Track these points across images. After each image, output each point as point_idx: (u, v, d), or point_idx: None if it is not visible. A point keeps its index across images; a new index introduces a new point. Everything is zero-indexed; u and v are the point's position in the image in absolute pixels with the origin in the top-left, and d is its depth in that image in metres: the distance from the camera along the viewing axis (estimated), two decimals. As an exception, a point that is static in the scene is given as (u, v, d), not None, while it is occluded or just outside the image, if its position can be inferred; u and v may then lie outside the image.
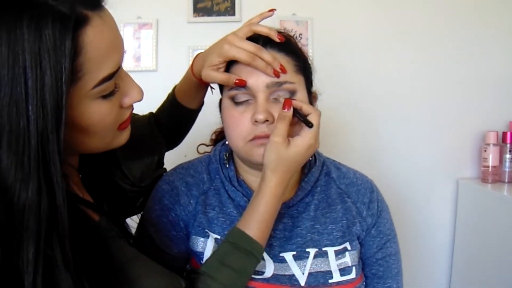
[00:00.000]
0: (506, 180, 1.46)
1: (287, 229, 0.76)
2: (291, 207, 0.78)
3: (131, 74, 0.61)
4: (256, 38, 0.71)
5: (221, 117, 0.77)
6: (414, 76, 1.54)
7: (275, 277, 0.74)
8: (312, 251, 0.75)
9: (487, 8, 1.52)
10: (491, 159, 1.46)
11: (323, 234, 0.76)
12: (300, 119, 0.67)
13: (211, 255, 0.67)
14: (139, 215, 0.84)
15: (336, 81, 1.50)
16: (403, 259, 0.85)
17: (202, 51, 0.79)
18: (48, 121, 0.46)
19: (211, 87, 0.85)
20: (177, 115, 0.89)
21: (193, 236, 0.78)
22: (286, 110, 0.67)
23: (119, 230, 0.64)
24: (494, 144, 1.47)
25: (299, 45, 0.77)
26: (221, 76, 0.71)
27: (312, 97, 0.77)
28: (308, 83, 0.75)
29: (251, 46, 0.68)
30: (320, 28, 1.50)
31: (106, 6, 0.54)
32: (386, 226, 0.82)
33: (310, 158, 0.81)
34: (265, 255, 0.74)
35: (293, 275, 0.74)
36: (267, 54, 0.68)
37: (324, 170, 0.83)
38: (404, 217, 1.53)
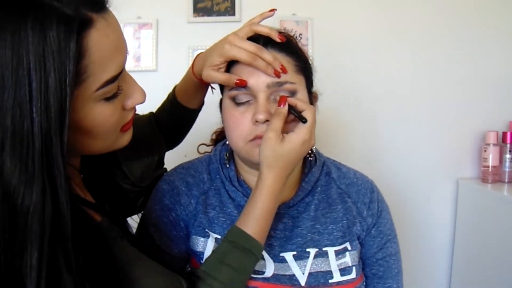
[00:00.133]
0: (506, 180, 1.46)
1: (288, 229, 0.76)
2: (291, 207, 0.78)
3: (131, 74, 0.61)
4: (257, 38, 0.71)
5: (222, 117, 0.77)
6: (414, 76, 1.54)
7: (276, 277, 0.74)
8: (313, 251, 0.75)
9: (487, 8, 1.52)
10: (491, 159, 1.46)
11: (323, 234, 0.76)
12: (294, 115, 0.68)
13: (211, 255, 0.67)
14: (140, 214, 0.84)
15: (336, 81, 1.50)
16: (403, 259, 0.85)
17: (202, 51, 0.79)
18: (51, 123, 0.45)
19: (212, 87, 0.85)
20: (177, 115, 0.89)
21: (194, 236, 0.78)
22: (281, 106, 0.67)
23: (121, 230, 0.64)
24: (494, 144, 1.47)
25: (300, 45, 0.77)
26: (222, 76, 0.71)
27: (312, 97, 0.77)
28: (309, 83, 0.75)
29: (251, 46, 0.68)
30: (320, 28, 1.50)
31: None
32: (387, 226, 0.82)
33: (310, 158, 0.81)
34: (265, 255, 0.74)
35: (294, 275, 0.74)
36: (268, 54, 0.68)
37: (325, 170, 0.83)
38: (404, 217, 1.53)
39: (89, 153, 0.62)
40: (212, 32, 1.43)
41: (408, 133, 1.55)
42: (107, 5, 0.53)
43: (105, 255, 0.55)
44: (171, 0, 1.49)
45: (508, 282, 1.25)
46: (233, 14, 1.48)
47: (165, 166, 0.92)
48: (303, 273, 0.74)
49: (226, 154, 0.81)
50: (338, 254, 0.76)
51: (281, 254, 0.75)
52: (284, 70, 0.69)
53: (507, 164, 1.46)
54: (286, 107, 0.67)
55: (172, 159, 0.95)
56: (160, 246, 0.77)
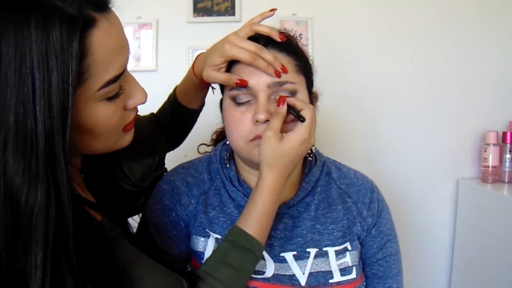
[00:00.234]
0: (506, 180, 1.46)
1: (288, 229, 0.76)
2: (291, 207, 0.78)
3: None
4: (257, 38, 0.71)
5: (222, 117, 0.77)
6: (414, 76, 1.54)
7: (276, 277, 0.74)
8: (313, 251, 0.75)
9: (487, 8, 1.52)
10: (491, 159, 1.46)
11: (323, 234, 0.76)
12: (293, 114, 0.68)
13: (211, 254, 0.67)
14: (140, 214, 0.84)
15: (336, 81, 1.50)
16: (403, 259, 0.85)
17: (202, 51, 0.79)
18: (54, 122, 0.46)
19: (212, 87, 0.85)
20: (178, 115, 0.89)
21: (194, 236, 0.78)
22: (280, 106, 0.67)
23: (121, 230, 0.64)
24: (494, 144, 1.46)
25: (300, 45, 0.77)
26: (222, 76, 0.71)
27: (313, 97, 0.77)
28: (309, 83, 0.75)
29: (252, 46, 0.68)
30: (320, 28, 1.50)
31: (107, 6, 0.54)
32: (387, 226, 0.82)
33: (310, 158, 0.81)
34: (265, 255, 0.74)
35: (294, 275, 0.74)
36: (268, 54, 0.68)
37: (325, 170, 0.83)
38: (404, 217, 1.52)
39: (91, 153, 0.62)
40: (212, 32, 1.43)
41: (408, 133, 1.55)
42: (110, 5, 0.53)
43: (105, 255, 0.55)
44: (171, 0, 1.49)
45: (508, 282, 1.25)
46: (233, 14, 1.48)
47: (165, 166, 0.92)
48: (303, 273, 0.74)
49: (227, 154, 0.81)
50: (338, 254, 0.76)
51: (281, 254, 0.75)
52: (284, 70, 0.69)
53: (507, 164, 1.46)
54: (285, 107, 0.67)
55: (172, 159, 0.95)
56: (160, 246, 0.77)
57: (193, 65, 0.81)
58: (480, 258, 1.41)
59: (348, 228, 0.78)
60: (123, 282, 0.56)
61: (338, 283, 0.75)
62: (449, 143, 1.56)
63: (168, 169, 0.88)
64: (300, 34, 1.49)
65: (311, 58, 0.77)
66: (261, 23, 0.73)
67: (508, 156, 1.46)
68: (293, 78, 0.70)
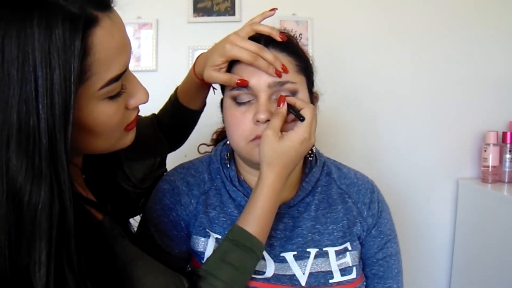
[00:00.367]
0: (506, 180, 1.46)
1: (288, 229, 0.76)
2: (291, 207, 0.78)
3: (131, 74, 0.61)
4: (258, 38, 0.71)
5: (223, 116, 0.77)
6: (414, 76, 1.54)
7: (276, 277, 0.74)
8: (313, 251, 0.75)
9: (487, 8, 1.52)
10: (491, 159, 1.46)
11: (323, 234, 0.76)
12: (293, 113, 0.68)
13: (212, 254, 0.67)
14: (141, 214, 0.84)
15: (336, 81, 1.50)
16: (403, 259, 0.85)
17: (202, 51, 0.79)
18: (56, 120, 0.46)
19: (213, 87, 0.85)
20: (179, 116, 0.89)
21: (194, 236, 0.78)
22: (280, 106, 0.67)
23: (122, 230, 0.64)
24: (494, 144, 1.46)
25: (300, 45, 0.77)
26: (223, 77, 0.71)
27: (313, 97, 0.77)
28: (310, 83, 0.75)
29: (253, 46, 0.68)
30: (320, 28, 1.50)
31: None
32: (387, 227, 0.82)
33: (311, 158, 0.81)
34: (266, 255, 0.74)
35: (294, 275, 0.74)
36: (269, 54, 0.68)
37: (325, 170, 0.83)
38: (404, 217, 1.52)
39: (92, 152, 0.62)
40: (212, 32, 1.43)
41: (408, 133, 1.55)
42: (112, 5, 0.53)
43: (106, 254, 0.55)
44: (171, 0, 1.49)
45: (508, 282, 1.25)
46: (233, 14, 1.48)
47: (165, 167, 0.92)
48: (304, 273, 0.74)
49: (227, 154, 0.81)
50: (339, 254, 0.76)
51: (281, 254, 0.75)
52: (285, 70, 0.69)
53: (507, 164, 1.46)
54: (285, 106, 0.67)
55: (172, 159, 0.95)
56: (161, 246, 0.77)
57: (193, 65, 0.81)
58: (480, 258, 1.41)
59: (348, 228, 0.78)
60: (123, 281, 0.56)
61: (338, 283, 0.75)
62: (449, 143, 1.56)
63: (168, 169, 0.88)
64: (300, 34, 1.49)
65: (311, 58, 0.77)
66: (261, 23, 0.73)
67: (508, 156, 1.46)
68: (294, 78, 0.70)
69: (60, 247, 0.47)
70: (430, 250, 1.59)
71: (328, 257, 0.75)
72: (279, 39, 0.70)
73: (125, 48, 0.55)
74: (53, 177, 0.46)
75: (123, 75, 0.55)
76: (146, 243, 0.76)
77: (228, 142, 0.79)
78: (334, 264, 0.75)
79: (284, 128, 0.67)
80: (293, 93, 0.70)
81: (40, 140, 0.45)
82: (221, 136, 0.92)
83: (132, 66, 1.47)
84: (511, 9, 1.52)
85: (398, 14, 1.52)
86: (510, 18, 1.52)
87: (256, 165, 0.73)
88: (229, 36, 0.71)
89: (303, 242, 0.75)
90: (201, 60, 0.77)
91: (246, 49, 0.68)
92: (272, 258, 0.74)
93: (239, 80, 0.69)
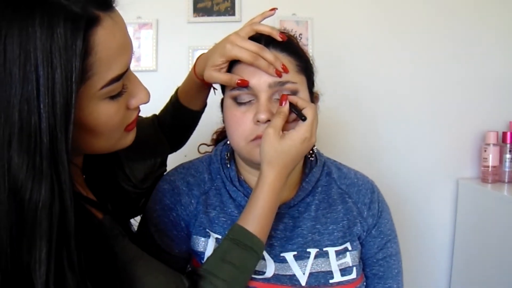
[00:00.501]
0: (506, 180, 1.46)
1: (288, 229, 0.76)
2: (292, 207, 0.78)
3: (132, 74, 0.61)
4: (258, 38, 0.71)
5: (223, 116, 0.77)
6: (414, 76, 1.54)
7: (276, 277, 0.74)
8: (313, 251, 0.75)
9: (487, 8, 1.52)
10: (491, 159, 1.46)
11: (324, 234, 0.76)
12: (294, 113, 0.68)
13: (212, 253, 0.67)
14: (141, 215, 0.84)
15: (336, 81, 1.50)
16: (403, 259, 0.85)
17: (202, 51, 0.79)
18: (57, 119, 0.46)
19: (214, 88, 0.85)
20: (180, 117, 0.89)
21: (194, 236, 0.78)
22: (282, 105, 0.67)
23: (122, 229, 0.64)
24: (494, 144, 1.46)
25: (301, 45, 0.77)
26: (223, 77, 0.71)
27: (314, 97, 0.77)
28: (310, 83, 0.75)
29: (253, 46, 0.68)
30: (320, 28, 1.50)
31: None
32: (387, 227, 0.82)
33: (311, 159, 0.81)
34: (266, 255, 0.74)
35: (294, 275, 0.74)
36: (270, 54, 0.68)
37: (325, 170, 0.83)
38: (404, 217, 1.52)
39: (92, 152, 0.62)
40: (212, 32, 1.43)
41: (408, 133, 1.55)
42: (114, 4, 0.53)
43: (106, 253, 0.55)
44: (171, 0, 1.49)
45: (508, 282, 1.25)
46: (233, 14, 1.48)
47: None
48: (304, 273, 0.74)
49: (227, 154, 0.81)
50: (339, 254, 0.76)
51: (281, 254, 0.75)
52: (285, 70, 0.69)
53: (507, 164, 1.46)
54: (287, 106, 0.67)
55: (172, 159, 0.94)
56: (161, 246, 0.77)
57: (194, 65, 0.81)
58: (480, 258, 1.41)
59: (348, 228, 0.78)
60: (123, 281, 0.56)
61: (339, 283, 0.75)
62: (449, 143, 1.56)
63: (169, 169, 0.88)
64: (300, 34, 1.49)
65: (311, 58, 0.77)
66: (262, 23, 0.73)
67: (508, 156, 1.46)
68: (294, 78, 0.70)
69: (60, 246, 0.47)
70: (430, 250, 1.59)
71: (328, 257, 0.75)
72: (279, 39, 0.70)
73: (126, 48, 0.55)
74: (54, 176, 0.46)
75: (124, 75, 0.55)
76: (146, 243, 0.76)
77: (228, 142, 0.79)
78: (334, 264, 0.75)
79: (285, 128, 0.67)
80: (294, 93, 0.70)
81: (41, 139, 0.45)
82: (221, 136, 0.92)
83: (132, 66, 1.45)
84: (511, 9, 1.52)
85: (398, 14, 1.52)
86: (510, 18, 1.52)
87: (256, 165, 0.73)
88: (229, 36, 0.71)
89: (303, 242, 0.75)
90: (202, 61, 0.77)
91: (246, 49, 0.68)
92: (272, 258, 0.74)
93: (239, 80, 0.69)
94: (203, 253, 0.76)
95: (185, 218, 0.78)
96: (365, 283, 0.81)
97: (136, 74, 0.62)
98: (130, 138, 0.64)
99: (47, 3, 0.45)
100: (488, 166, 1.47)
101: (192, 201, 0.79)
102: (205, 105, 0.90)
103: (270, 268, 0.74)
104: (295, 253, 0.75)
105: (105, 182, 0.73)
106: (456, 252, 1.56)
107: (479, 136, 1.55)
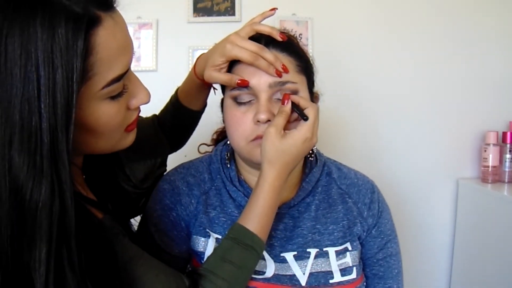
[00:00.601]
0: (506, 180, 1.46)
1: (288, 229, 0.76)
2: (292, 207, 0.78)
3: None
4: (258, 38, 0.71)
5: (223, 116, 0.77)
6: (414, 76, 1.54)
7: (276, 277, 0.74)
8: (313, 251, 0.75)
9: (487, 8, 1.52)
10: (491, 159, 1.46)
11: (324, 234, 0.76)
12: (297, 112, 0.68)
13: (213, 252, 0.67)
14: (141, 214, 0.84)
15: (336, 81, 1.50)
16: (403, 259, 0.85)
17: (202, 51, 0.79)
18: (58, 119, 0.46)
19: (214, 88, 0.85)
20: (180, 117, 0.89)
21: (194, 236, 0.78)
22: (284, 104, 0.67)
23: (123, 229, 0.64)
24: (494, 144, 1.46)
25: (301, 45, 0.77)
26: (224, 77, 0.71)
27: (314, 97, 0.77)
28: (310, 83, 0.75)
29: (253, 46, 0.68)
30: (320, 28, 1.50)
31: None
32: (387, 227, 0.82)
33: (311, 159, 0.81)
34: (266, 255, 0.74)
35: (294, 275, 0.74)
36: (270, 54, 0.68)
37: (325, 170, 0.83)
38: (404, 217, 1.52)
39: (93, 153, 0.62)
40: (212, 32, 1.43)
41: (408, 133, 1.55)
42: (115, 5, 0.53)
43: (106, 252, 0.55)
44: (171, 0, 1.49)
45: (508, 282, 1.25)
46: (233, 14, 1.48)
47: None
48: (304, 273, 0.74)
49: (227, 154, 0.81)
50: (339, 254, 0.76)
51: (281, 254, 0.75)
52: (285, 70, 0.69)
53: (507, 164, 1.46)
54: (289, 105, 0.67)
55: (173, 159, 0.94)
56: (161, 246, 0.77)
57: (194, 65, 0.81)
58: (480, 258, 1.41)
59: (348, 228, 0.78)
60: (124, 280, 0.56)
61: (339, 283, 0.75)
62: (449, 143, 1.56)
63: (169, 169, 0.88)
64: (300, 34, 1.49)
65: (311, 58, 0.77)
66: (262, 23, 0.73)
67: (508, 156, 1.46)
68: (294, 78, 0.70)
69: (61, 246, 0.47)
70: (430, 250, 1.59)
71: (328, 257, 0.75)
72: (279, 39, 0.70)
73: (127, 48, 0.55)
74: (54, 176, 0.46)
75: (125, 75, 0.55)
76: (146, 243, 0.76)
77: (228, 142, 0.79)
78: (334, 264, 0.75)
79: (285, 127, 0.67)
80: (294, 93, 0.70)
81: (42, 139, 0.45)
82: (221, 136, 0.92)
83: (132, 66, 1.44)
84: (511, 9, 1.52)
85: (398, 14, 1.52)
86: (510, 18, 1.52)
87: (256, 165, 0.73)
88: (229, 36, 0.71)
89: (303, 242, 0.75)
90: (202, 61, 0.77)
91: (246, 49, 0.68)
92: (272, 258, 0.74)
93: (239, 80, 0.69)
94: (203, 253, 0.76)
95: (185, 218, 0.78)
96: (365, 283, 0.81)
97: (136, 74, 0.62)
98: (130, 139, 0.64)
99: (48, 3, 0.45)
100: (488, 166, 1.47)
101: (192, 201, 0.79)
102: (205, 105, 0.90)
103: (270, 268, 0.74)
104: (295, 253, 0.75)
105: (105, 182, 0.73)
106: (456, 252, 1.56)
107: (479, 136, 1.55)
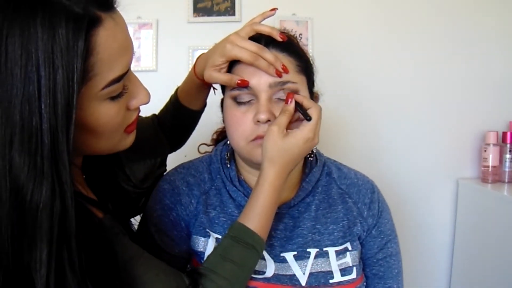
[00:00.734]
0: (506, 180, 1.46)
1: (288, 229, 0.76)
2: (292, 207, 0.78)
3: (131, 75, 0.61)
4: (258, 38, 0.71)
5: (223, 116, 0.77)
6: (414, 76, 1.54)
7: (276, 277, 0.74)
8: (313, 251, 0.75)
9: (487, 8, 1.52)
10: (491, 159, 1.46)
11: (324, 234, 0.76)
12: (300, 112, 0.68)
13: (213, 251, 0.67)
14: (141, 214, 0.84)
15: (336, 81, 1.50)
16: (403, 259, 0.85)
17: (202, 51, 0.79)
18: (58, 120, 0.46)
19: (214, 88, 0.85)
20: (180, 116, 0.89)
21: (194, 236, 0.78)
22: (288, 103, 0.67)
23: (123, 228, 0.64)
24: (494, 144, 1.46)
25: (301, 45, 0.77)
26: (224, 77, 0.71)
27: (314, 97, 0.77)
28: (310, 83, 0.75)
29: (253, 46, 0.68)
30: (320, 28, 1.50)
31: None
32: (387, 227, 0.82)
33: (311, 159, 0.81)
34: (266, 255, 0.74)
35: (294, 275, 0.74)
36: (270, 54, 0.68)
37: (325, 170, 0.83)
38: (404, 217, 1.52)
39: (93, 153, 0.62)
40: (212, 32, 1.43)
41: (408, 133, 1.55)
42: (115, 5, 0.53)
43: (106, 252, 0.55)
44: (171, 0, 1.49)
45: (508, 282, 1.25)
46: (233, 14, 1.48)
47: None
48: (304, 273, 0.74)
49: (227, 154, 0.81)
50: (339, 254, 0.76)
51: (281, 254, 0.75)
52: (285, 70, 0.69)
53: (507, 164, 1.46)
54: (293, 104, 0.67)
55: (172, 159, 0.95)
56: (161, 246, 0.77)
57: (194, 65, 0.81)
58: (480, 258, 1.41)
59: (348, 228, 0.78)
60: (124, 279, 0.56)
61: (339, 283, 0.75)
62: (449, 143, 1.56)
63: (169, 169, 0.88)
64: (300, 34, 1.49)
65: (311, 58, 0.77)
66: (262, 23, 0.73)
67: (508, 156, 1.46)
68: (294, 78, 0.70)
69: (61, 246, 0.47)
70: (430, 250, 1.59)
71: (328, 257, 0.75)
72: (279, 39, 0.70)
73: (127, 48, 0.55)
74: (55, 177, 0.46)
75: (125, 75, 0.55)
76: (146, 242, 0.76)
77: (228, 142, 0.79)
78: (334, 264, 0.75)
79: (288, 127, 0.67)
80: (295, 93, 0.70)
81: (42, 139, 0.45)
82: (221, 136, 0.92)
83: (132, 66, 1.45)
84: (511, 9, 1.52)
85: (398, 14, 1.52)
86: (510, 18, 1.52)
87: (256, 165, 0.73)
88: (229, 36, 0.71)
89: (303, 242, 0.76)
90: (202, 61, 0.77)
91: (246, 49, 0.68)
92: (272, 258, 0.74)
93: (239, 80, 0.69)
94: (203, 253, 0.76)
95: (185, 218, 0.78)
96: (365, 283, 0.81)
97: (136, 74, 0.62)
98: (130, 140, 0.64)
99: (49, 3, 0.45)
100: (488, 166, 1.47)
101: (192, 201, 0.79)
102: (205, 105, 0.90)
103: (270, 268, 0.74)
104: (295, 253, 0.75)
105: (105, 182, 0.73)
106: (456, 252, 1.56)
107: (479, 136, 1.55)
